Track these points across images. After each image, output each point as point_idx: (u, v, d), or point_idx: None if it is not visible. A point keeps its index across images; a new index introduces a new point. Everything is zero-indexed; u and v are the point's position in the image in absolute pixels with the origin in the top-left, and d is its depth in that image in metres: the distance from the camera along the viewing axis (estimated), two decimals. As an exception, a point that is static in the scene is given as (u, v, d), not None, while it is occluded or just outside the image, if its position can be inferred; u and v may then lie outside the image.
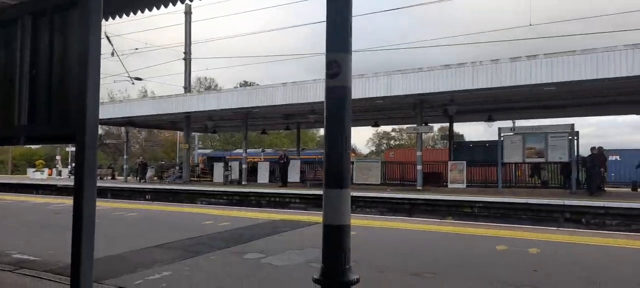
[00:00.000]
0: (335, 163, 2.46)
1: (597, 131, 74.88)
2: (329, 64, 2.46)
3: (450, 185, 18.46)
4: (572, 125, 17.03)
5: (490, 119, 22.58)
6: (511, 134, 17.95)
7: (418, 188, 18.17)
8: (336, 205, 2.47)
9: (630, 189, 19.26)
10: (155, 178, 28.60)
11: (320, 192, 14.53)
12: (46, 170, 39.96)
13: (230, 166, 24.85)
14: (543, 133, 17.21)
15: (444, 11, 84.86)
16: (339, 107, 2.46)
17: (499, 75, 14.66)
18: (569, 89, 15.86)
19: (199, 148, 41.97)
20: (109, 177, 33.14)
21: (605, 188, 17.42)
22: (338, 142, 2.44)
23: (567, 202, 13.21)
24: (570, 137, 16.74)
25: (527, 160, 17.60)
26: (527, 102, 19.50)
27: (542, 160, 17.37)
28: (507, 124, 25.00)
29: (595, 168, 16.37)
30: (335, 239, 2.49)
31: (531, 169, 19.39)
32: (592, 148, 17.15)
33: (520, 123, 24.20)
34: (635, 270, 5.25)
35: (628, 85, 14.92)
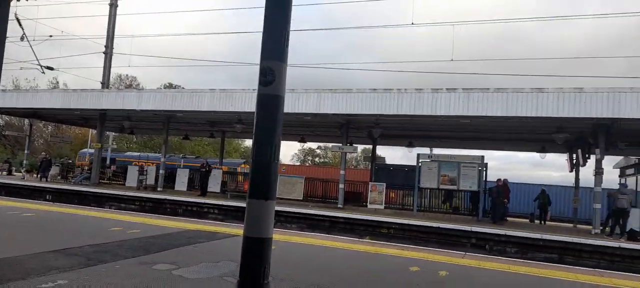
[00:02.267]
0: (262, 173, 2.35)
1: (501, 164, 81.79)
2: (263, 71, 2.36)
3: (369, 206, 18.94)
4: (482, 156, 18.33)
5: (410, 145, 23.67)
6: (428, 160, 18.90)
7: (339, 206, 18.44)
8: (259, 217, 2.35)
9: (528, 220, 21.09)
10: (59, 177, 26.21)
11: (240, 204, 14.10)
12: None
13: (146, 170, 23.50)
14: (456, 162, 18.32)
15: (374, 38, 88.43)
16: (270, 116, 2.37)
17: (421, 103, 15.44)
18: (481, 123, 17.10)
19: (113, 149, 39.23)
20: (5, 172, 29.85)
21: (507, 218, 18.88)
22: (267, 151, 2.34)
23: (474, 229, 14.10)
24: (480, 168, 17.98)
25: (442, 186, 18.60)
26: (445, 131, 20.72)
27: (454, 187, 18.46)
28: (426, 150, 26.40)
29: (500, 199, 17.70)
30: (255, 252, 2.37)
31: (444, 196, 20.52)
32: (498, 180, 18.54)
33: (437, 151, 25.66)
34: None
35: (532, 125, 16.44)
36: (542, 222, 19.60)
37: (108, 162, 32.71)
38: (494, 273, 6.89)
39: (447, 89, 15.22)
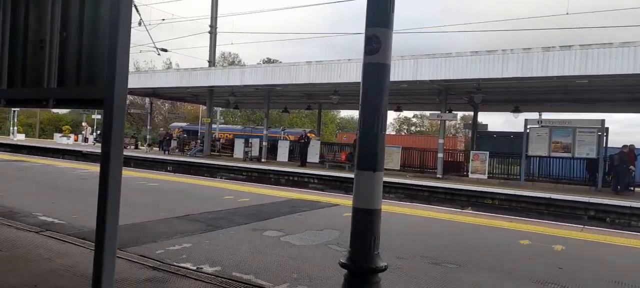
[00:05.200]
0: (370, 145, 2.34)
1: (621, 129, 72.32)
2: (368, 39, 2.32)
3: (471, 175, 18.15)
4: (603, 120, 16.43)
5: (516, 110, 22.00)
6: (538, 126, 17.45)
7: (438, 176, 17.94)
8: (368, 189, 2.37)
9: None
10: (177, 150, 29.01)
11: (338, 174, 14.45)
12: (72, 136, 40.95)
13: (251, 143, 24.98)
14: (571, 127, 16.67)
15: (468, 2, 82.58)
16: (376, 86, 2.34)
17: (530, 64, 14.18)
18: (601, 83, 15.28)
19: (221, 123, 42.25)
20: (132, 147, 33.73)
21: (634, 188, 16.83)
22: (373, 122, 2.32)
23: (593, 200, 12.83)
24: (599, 133, 16.19)
25: (553, 154, 17.11)
26: (557, 94, 18.92)
27: (568, 155, 16.86)
28: (534, 115, 24.32)
29: (623, 166, 15.84)
30: (365, 224, 2.40)
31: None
32: (623, 146, 16.58)
33: (547, 116, 23.49)
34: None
35: (666, 83, 14.29)
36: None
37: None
38: (620, 250, 6.23)
39: (560, 46, 13.78)
